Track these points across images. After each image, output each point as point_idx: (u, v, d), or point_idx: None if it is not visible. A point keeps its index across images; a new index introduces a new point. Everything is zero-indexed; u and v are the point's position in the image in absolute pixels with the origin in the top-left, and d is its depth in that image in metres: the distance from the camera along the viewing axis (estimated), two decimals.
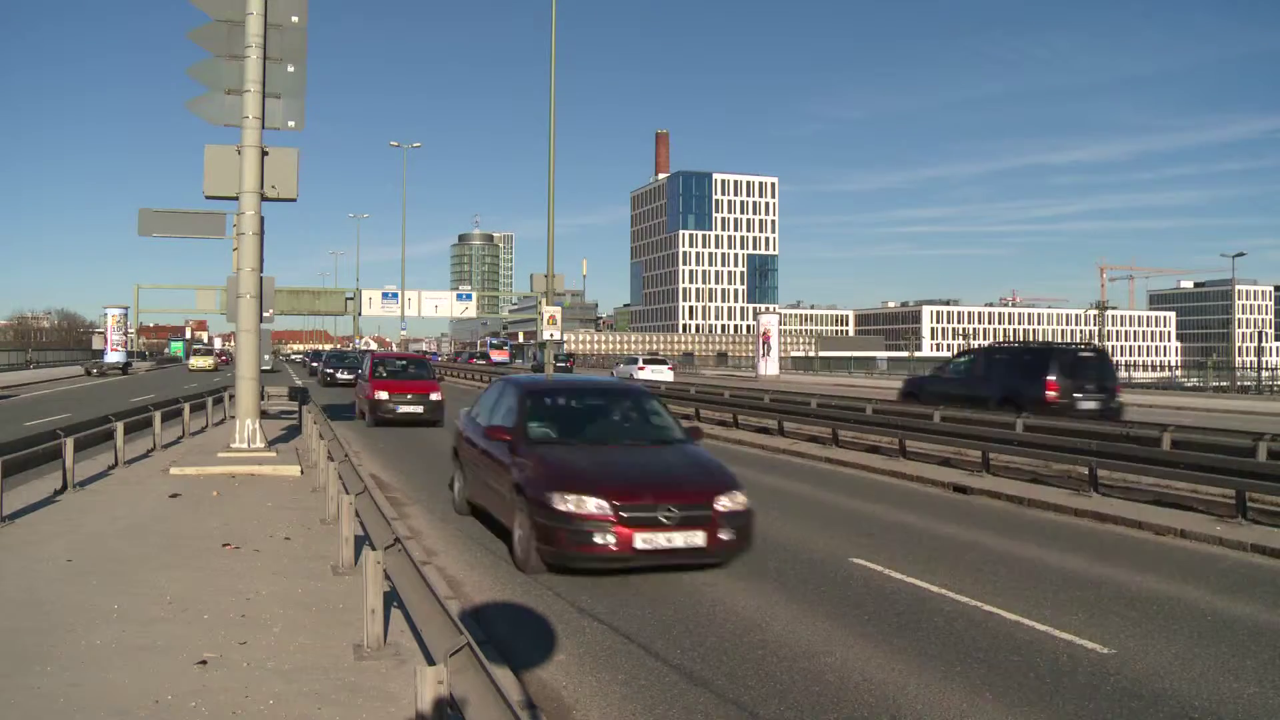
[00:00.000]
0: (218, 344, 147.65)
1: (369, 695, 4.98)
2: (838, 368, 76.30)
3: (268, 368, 45.73)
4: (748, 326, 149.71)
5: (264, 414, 16.24)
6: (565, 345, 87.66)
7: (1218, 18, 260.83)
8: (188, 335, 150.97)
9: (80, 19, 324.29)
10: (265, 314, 13.97)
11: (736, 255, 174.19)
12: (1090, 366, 18.41)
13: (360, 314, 73.95)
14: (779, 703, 5.24)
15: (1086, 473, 12.56)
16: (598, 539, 7.52)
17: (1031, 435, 14.35)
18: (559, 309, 46.40)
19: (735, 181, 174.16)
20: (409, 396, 22.65)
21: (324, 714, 4.74)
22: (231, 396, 19.15)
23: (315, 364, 62.68)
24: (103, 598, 6.68)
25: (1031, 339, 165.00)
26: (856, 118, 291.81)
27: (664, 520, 7.62)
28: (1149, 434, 13.74)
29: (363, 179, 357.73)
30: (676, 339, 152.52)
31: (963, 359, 21.28)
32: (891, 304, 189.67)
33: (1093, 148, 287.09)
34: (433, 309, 74.38)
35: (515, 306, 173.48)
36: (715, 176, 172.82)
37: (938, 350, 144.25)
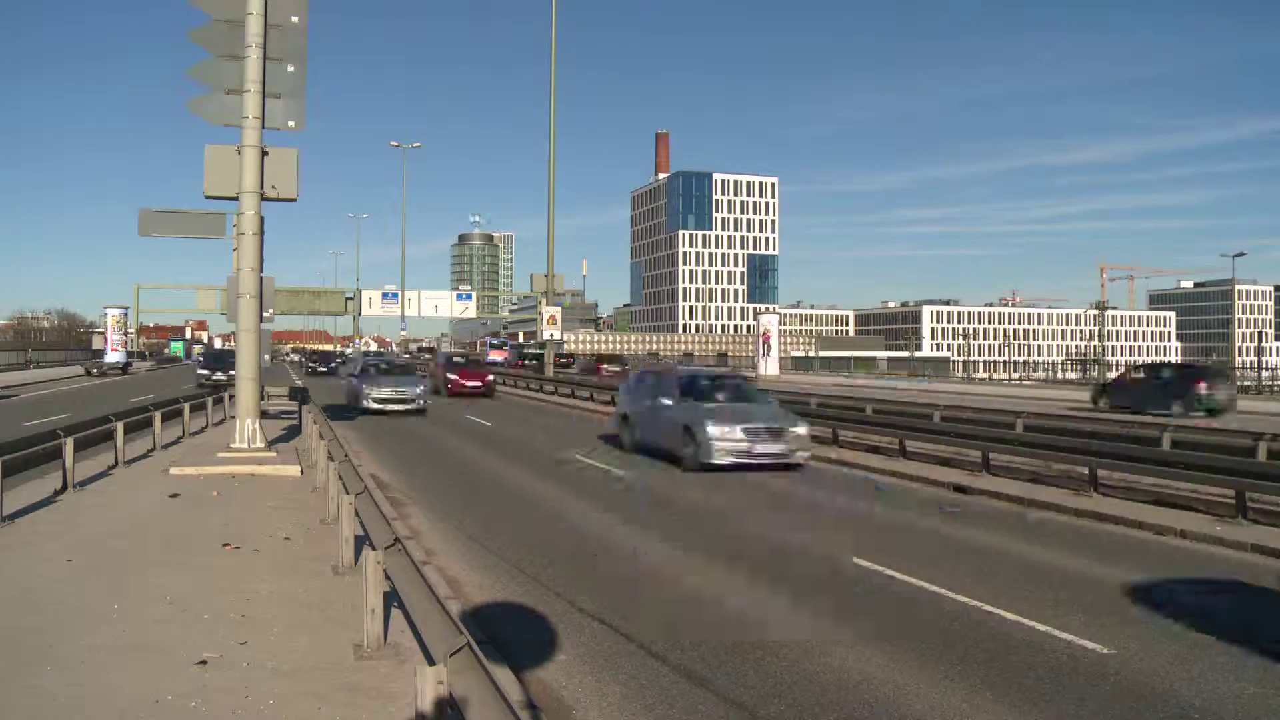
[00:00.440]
0: (218, 345, 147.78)
1: (369, 695, 4.98)
2: (838, 368, 76.26)
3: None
4: (748, 326, 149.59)
5: (264, 414, 16.24)
6: (565, 345, 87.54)
7: (1220, 19, 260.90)
8: (188, 335, 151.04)
9: (80, 19, 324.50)
10: (265, 314, 13.98)
11: (736, 255, 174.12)
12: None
13: (360, 314, 73.94)
14: (779, 703, 5.24)
15: (1086, 473, 12.55)
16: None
17: (1031, 435, 14.36)
18: (559, 309, 46.46)
19: (735, 181, 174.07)
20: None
21: (324, 714, 4.74)
22: (231, 396, 19.16)
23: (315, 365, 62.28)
24: (103, 598, 6.68)
25: (1032, 339, 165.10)
26: (857, 118, 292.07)
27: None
28: (1149, 434, 13.74)
29: (363, 179, 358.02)
30: (676, 339, 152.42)
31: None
32: (891, 304, 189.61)
33: (1094, 148, 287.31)
34: (433, 309, 74.33)
35: (515, 306, 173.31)
36: (715, 176, 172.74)
37: (937, 350, 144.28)
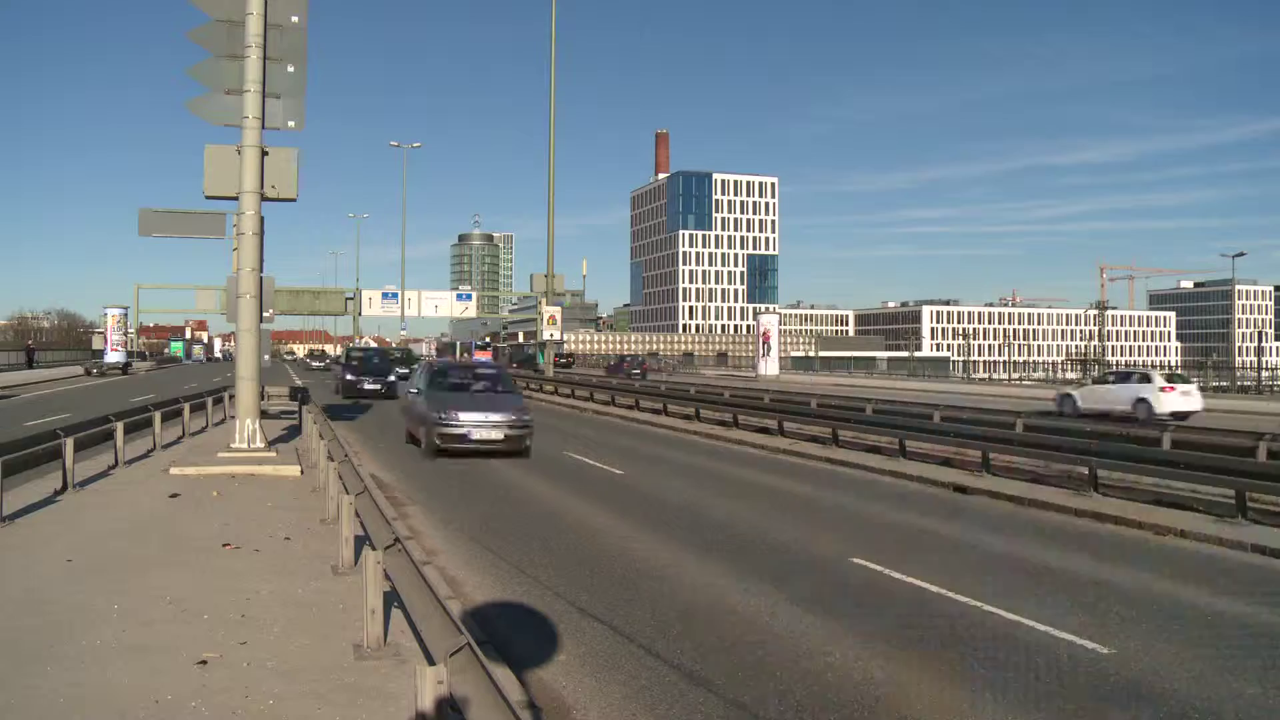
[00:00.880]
0: (218, 344, 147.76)
1: (369, 695, 4.98)
2: (838, 368, 76.29)
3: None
4: (748, 326, 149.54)
5: (264, 414, 16.24)
6: (565, 345, 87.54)
7: (1221, 19, 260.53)
8: (188, 335, 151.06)
9: (80, 19, 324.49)
10: (265, 314, 13.97)
11: (736, 255, 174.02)
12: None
13: (360, 314, 73.89)
14: (779, 703, 5.24)
15: (1086, 473, 12.56)
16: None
17: (1031, 435, 14.37)
18: (559, 309, 46.47)
19: (735, 181, 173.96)
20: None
21: (324, 714, 4.74)
22: (231, 396, 19.16)
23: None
24: (103, 598, 6.68)
25: (1032, 339, 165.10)
26: (857, 118, 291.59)
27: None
28: (1149, 434, 13.75)
29: (363, 179, 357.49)
30: (676, 339, 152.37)
31: None
32: (891, 304, 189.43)
33: (1094, 148, 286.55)
34: (433, 309, 74.30)
35: (515, 306, 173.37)
36: (715, 176, 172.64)
37: (937, 350, 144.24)
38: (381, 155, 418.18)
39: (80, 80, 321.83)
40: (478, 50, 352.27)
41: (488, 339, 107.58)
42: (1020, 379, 67.46)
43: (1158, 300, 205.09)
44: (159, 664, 5.36)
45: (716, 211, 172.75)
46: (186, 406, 18.41)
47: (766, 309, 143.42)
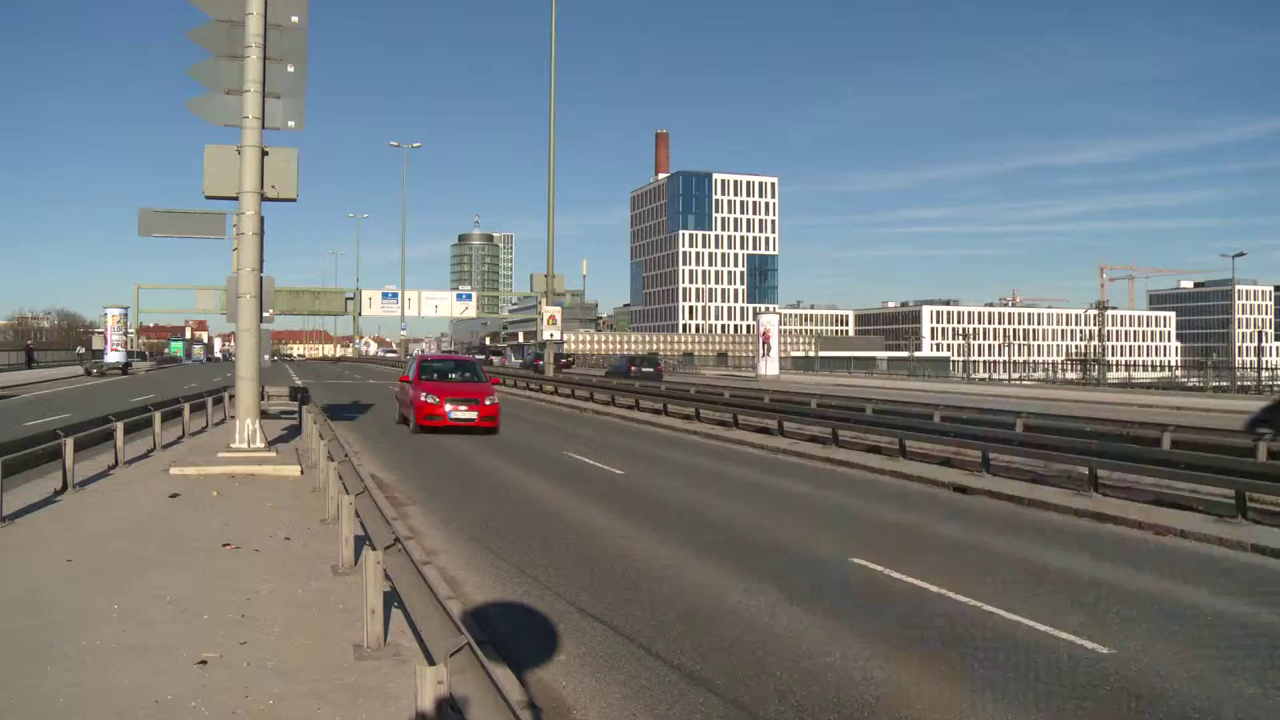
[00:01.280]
0: (218, 344, 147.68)
1: (369, 695, 4.98)
2: (838, 368, 76.26)
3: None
4: (748, 326, 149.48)
5: (264, 414, 16.24)
6: (565, 345, 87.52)
7: (1220, 19, 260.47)
8: (188, 335, 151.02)
9: (80, 19, 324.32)
10: (265, 314, 13.98)
11: (736, 255, 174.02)
12: None
13: (360, 314, 73.94)
14: (779, 703, 5.24)
15: (1086, 473, 12.55)
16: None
17: (1031, 435, 14.36)
18: (559, 309, 46.47)
19: (735, 181, 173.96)
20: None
21: (324, 714, 4.74)
22: (231, 396, 19.16)
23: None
24: (103, 598, 6.68)
25: (1032, 339, 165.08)
26: (857, 118, 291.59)
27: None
28: (1149, 434, 13.75)
29: (363, 179, 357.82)
30: (676, 339, 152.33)
31: None
32: (891, 304, 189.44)
33: (1096, 149, 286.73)
34: (433, 309, 74.35)
35: (515, 306, 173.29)
36: (715, 176, 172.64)
37: (938, 350, 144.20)
38: (381, 155, 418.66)
39: (80, 80, 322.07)
40: (478, 50, 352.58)
41: (488, 339, 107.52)
42: (1020, 379, 67.44)
43: (1158, 300, 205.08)
44: (159, 664, 5.36)
45: (716, 211, 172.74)
46: (186, 406, 18.41)
47: (766, 309, 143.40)
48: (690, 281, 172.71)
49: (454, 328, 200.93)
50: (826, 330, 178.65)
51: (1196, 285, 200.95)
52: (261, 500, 11.13)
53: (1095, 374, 64.31)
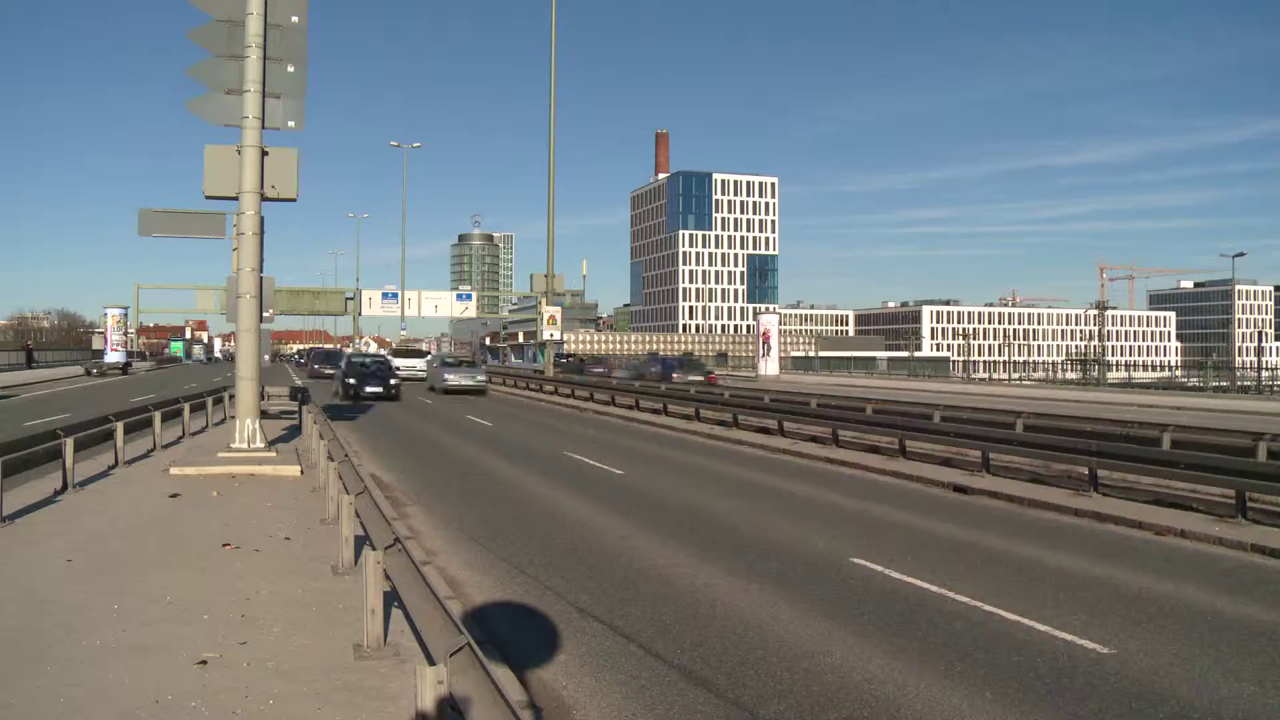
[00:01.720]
0: (218, 344, 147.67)
1: (369, 695, 4.98)
2: (838, 368, 76.22)
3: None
4: (748, 326, 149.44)
5: (264, 414, 16.24)
6: (565, 345, 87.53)
7: (1221, 20, 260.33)
8: (188, 335, 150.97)
9: (80, 19, 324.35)
10: (265, 314, 13.98)
11: (736, 255, 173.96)
12: None
13: (360, 314, 73.89)
14: (779, 703, 5.24)
15: (1086, 473, 12.55)
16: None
17: (1031, 435, 14.35)
18: (559, 309, 46.45)
19: (735, 181, 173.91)
20: None
21: (324, 714, 4.74)
22: (231, 396, 19.16)
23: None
24: (103, 598, 6.69)
25: (1032, 339, 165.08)
26: (858, 118, 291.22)
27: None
28: (1149, 434, 13.74)
29: (363, 179, 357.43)
30: (676, 339, 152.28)
31: None
32: (891, 304, 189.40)
33: (1095, 149, 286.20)
34: (433, 309, 74.31)
35: (515, 306, 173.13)
36: (715, 176, 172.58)
37: (937, 350, 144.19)
38: (381, 155, 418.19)
39: (80, 80, 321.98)
40: (478, 50, 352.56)
41: (488, 339, 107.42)
42: (1020, 379, 67.44)
43: (1158, 300, 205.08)
44: (159, 664, 5.36)
45: (716, 211, 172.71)
46: (186, 406, 18.41)
47: (766, 309, 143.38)
48: (690, 281, 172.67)
49: (454, 328, 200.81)
50: (826, 330, 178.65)
51: (1196, 285, 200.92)
52: (261, 500, 11.12)
53: (1095, 374, 64.26)
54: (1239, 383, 55.53)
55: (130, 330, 68.04)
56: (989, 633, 6.62)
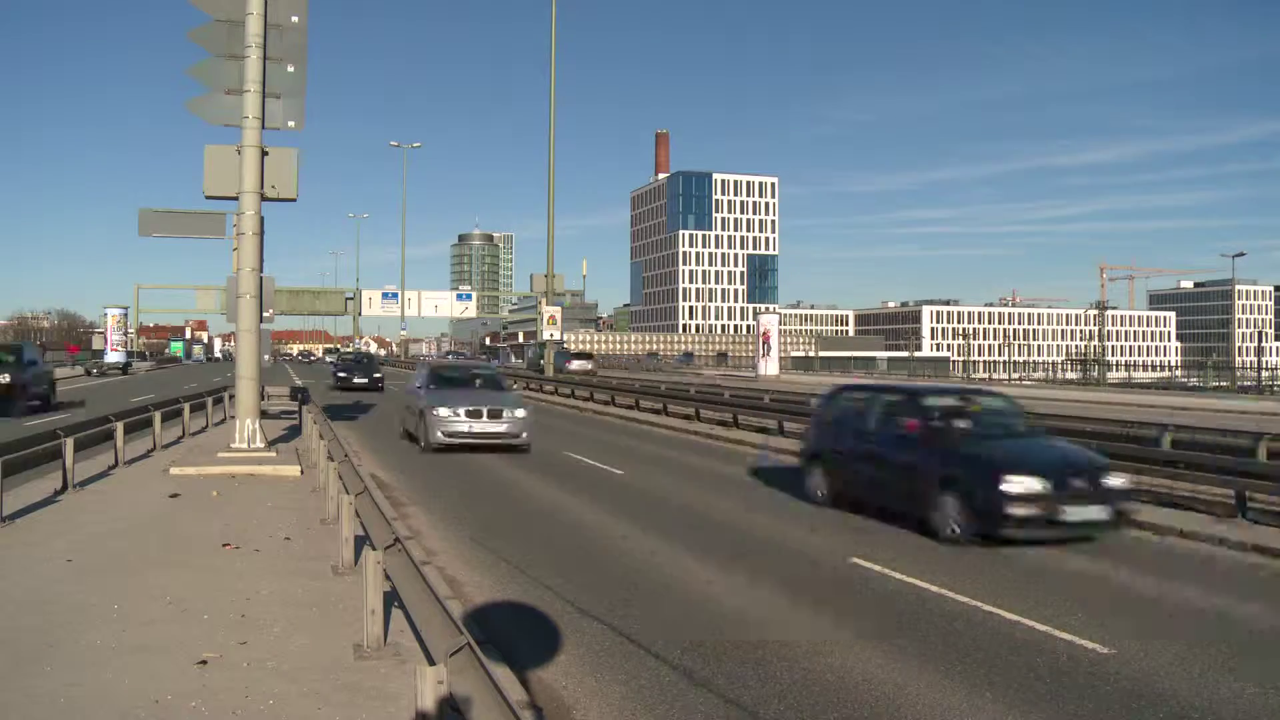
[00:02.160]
0: (218, 344, 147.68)
1: (369, 695, 4.98)
2: (838, 368, 76.22)
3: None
4: (748, 326, 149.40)
5: (264, 414, 16.24)
6: (566, 344, 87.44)
7: (1221, 21, 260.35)
8: (188, 335, 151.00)
9: (80, 19, 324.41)
10: (265, 314, 13.97)
11: (736, 255, 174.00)
12: None
13: (360, 314, 74.02)
14: (779, 703, 5.24)
15: None
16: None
17: None
18: (559, 309, 46.45)
19: (735, 181, 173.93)
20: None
21: (324, 714, 4.74)
22: (231, 396, 19.15)
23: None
24: (103, 598, 6.68)
25: (1032, 339, 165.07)
26: (858, 119, 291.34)
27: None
28: (1149, 434, 13.73)
29: (363, 179, 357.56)
30: (676, 339, 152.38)
31: None
32: (891, 304, 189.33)
33: (1095, 150, 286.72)
34: (433, 309, 74.40)
35: (515, 306, 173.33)
36: (715, 176, 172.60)
37: (938, 350, 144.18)
38: (381, 155, 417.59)
39: (80, 80, 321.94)
40: (478, 50, 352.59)
41: (488, 339, 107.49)
42: (1020, 379, 67.42)
43: (1158, 300, 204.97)
44: (159, 664, 5.36)
45: (716, 211, 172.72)
46: (186, 406, 18.41)
47: (766, 309, 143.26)
48: (690, 281, 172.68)
49: (454, 328, 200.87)
50: (826, 330, 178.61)
51: (1196, 285, 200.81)
52: (261, 500, 11.12)
53: (1095, 374, 64.25)
54: (1239, 383, 55.54)
55: (130, 330, 68.10)
56: (989, 633, 6.61)
